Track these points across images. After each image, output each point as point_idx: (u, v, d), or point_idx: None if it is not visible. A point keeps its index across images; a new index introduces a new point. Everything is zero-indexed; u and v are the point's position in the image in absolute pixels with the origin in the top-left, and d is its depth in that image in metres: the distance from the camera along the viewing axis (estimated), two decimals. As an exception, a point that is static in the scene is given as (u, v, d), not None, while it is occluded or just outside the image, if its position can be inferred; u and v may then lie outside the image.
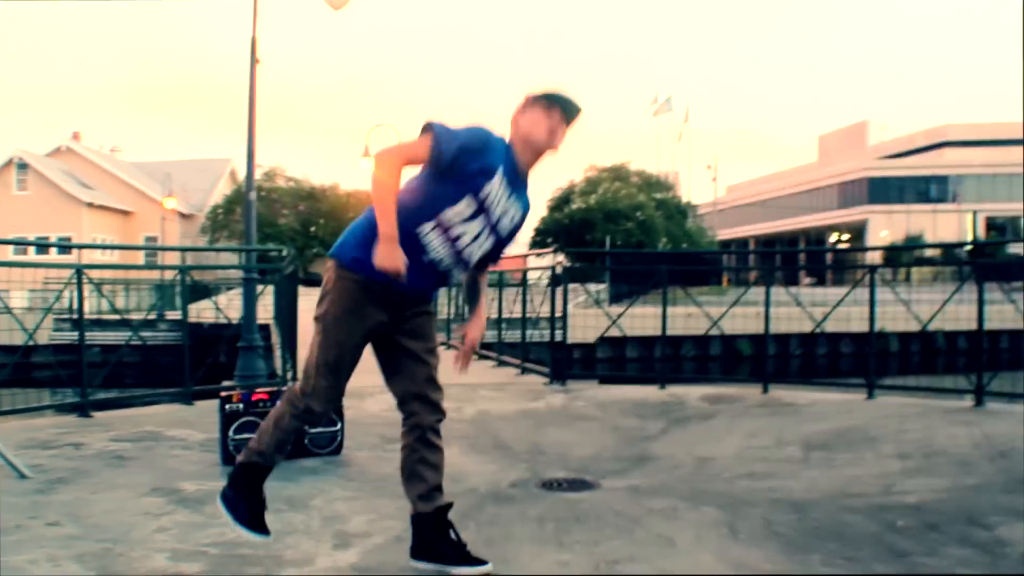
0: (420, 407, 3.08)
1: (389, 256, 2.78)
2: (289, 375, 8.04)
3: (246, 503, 3.11)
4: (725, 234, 72.19)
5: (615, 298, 20.73)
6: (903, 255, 39.67)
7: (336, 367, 3.02)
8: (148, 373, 12.65)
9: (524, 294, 10.83)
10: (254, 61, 9.27)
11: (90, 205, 40.90)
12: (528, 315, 10.67)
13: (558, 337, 9.02)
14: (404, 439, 3.13)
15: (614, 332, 10.65)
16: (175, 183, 39.35)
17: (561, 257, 13.90)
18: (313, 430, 4.98)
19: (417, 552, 3.12)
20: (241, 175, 48.63)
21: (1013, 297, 8.52)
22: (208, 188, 48.51)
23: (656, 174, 48.40)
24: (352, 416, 5.47)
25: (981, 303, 7.01)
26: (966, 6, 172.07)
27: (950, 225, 57.29)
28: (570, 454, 5.42)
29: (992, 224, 60.26)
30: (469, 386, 8.42)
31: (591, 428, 6.34)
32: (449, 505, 3.15)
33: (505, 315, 12.03)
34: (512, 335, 11.84)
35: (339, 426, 5.10)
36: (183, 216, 44.16)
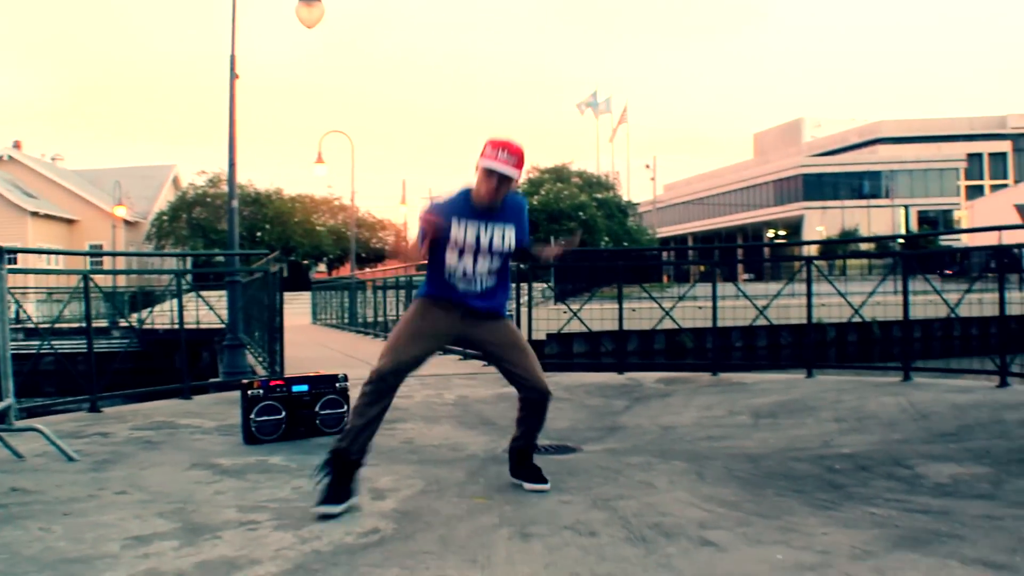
0: (517, 388, 4.22)
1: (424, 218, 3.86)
2: (277, 369, 8.62)
3: (332, 488, 3.83)
4: (665, 232, 73.60)
5: (559, 296, 21.43)
6: (839, 249, 41.14)
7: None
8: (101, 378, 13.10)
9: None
10: (233, 76, 9.81)
11: (35, 214, 40.55)
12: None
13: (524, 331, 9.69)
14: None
15: (571, 327, 11.30)
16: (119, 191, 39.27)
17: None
18: (323, 412, 5.62)
19: (513, 473, 4.35)
20: (185, 181, 48.61)
21: (939, 287, 9.38)
22: (151, 195, 48.27)
23: (597, 174, 49.40)
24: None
25: (906, 292, 7.85)
26: (897, 7, 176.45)
27: (884, 220, 59.26)
28: (550, 427, 6.05)
29: (924, 218, 62.46)
30: (443, 376, 9.11)
31: (563, 407, 7.03)
32: (534, 447, 4.40)
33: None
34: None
35: (345, 408, 5.73)
36: (128, 224, 44.01)
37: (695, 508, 3.80)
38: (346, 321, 22.05)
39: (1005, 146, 72.81)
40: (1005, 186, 66.50)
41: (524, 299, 10.55)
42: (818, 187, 62.94)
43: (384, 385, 3.93)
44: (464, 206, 4.01)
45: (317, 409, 5.61)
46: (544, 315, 14.73)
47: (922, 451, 4.93)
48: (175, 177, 51.27)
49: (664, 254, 52.00)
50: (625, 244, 44.99)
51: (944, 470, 4.44)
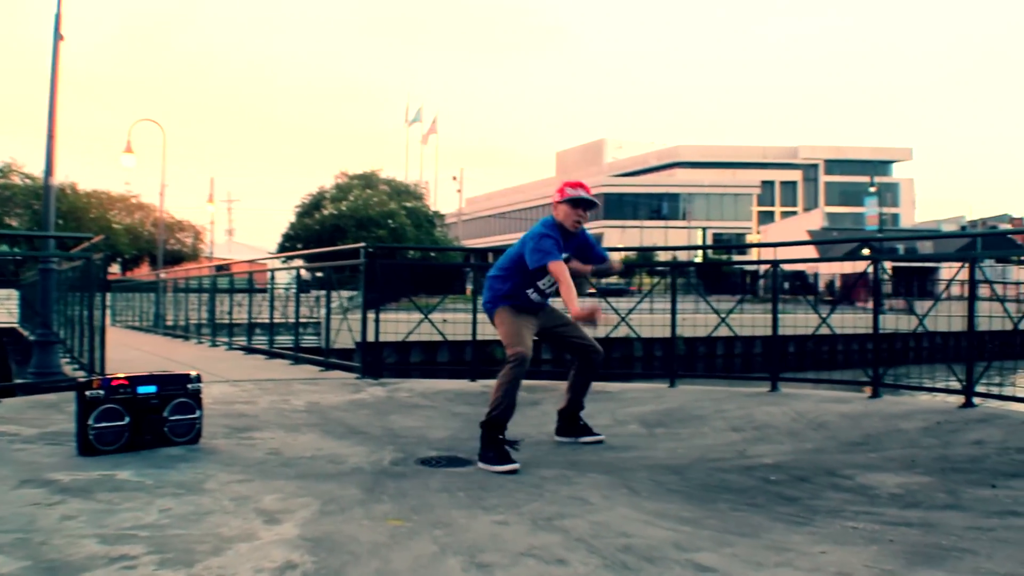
0: (579, 352, 5.29)
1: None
2: (97, 368, 7.49)
3: (494, 451, 4.53)
4: (469, 244, 73.70)
5: (369, 304, 20.69)
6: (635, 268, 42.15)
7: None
8: None
9: (301, 297, 10.64)
10: (57, 38, 8.56)
11: None
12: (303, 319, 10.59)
13: (370, 337, 8.94)
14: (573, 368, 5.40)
15: (389, 336, 10.60)
16: None
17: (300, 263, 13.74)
18: (173, 417, 4.74)
19: (560, 432, 5.41)
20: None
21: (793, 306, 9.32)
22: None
23: (406, 182, 48.67)
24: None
25: (674, 311, 7.64)
26: (697, 39, 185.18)
27: (680, 240, 61.50)
28: (428, 436, 5.48)
29: (719, 240, 65.30)
30: (281, 381, 8.26)
31: (431, 415, 6.41)
32: (581, 407, 5.40)
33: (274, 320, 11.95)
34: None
35: (198, 414, 4.88)
36: None
37: (654, 527, 3.27)
38: (150, 324, 20.42)
39: (796, 175, 77.50)
40: (795, 213, 70.66)
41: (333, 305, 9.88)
42: (619, 207, 64.67)
43: (527, 366, 4.71)
44: (560, 236, 4.97)
45: (166, 414, 4.72)
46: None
47: (845, 461, 4.63)
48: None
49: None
50: (433, 255, 44.45)
51: (886, 480, 4.13)
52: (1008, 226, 60.72)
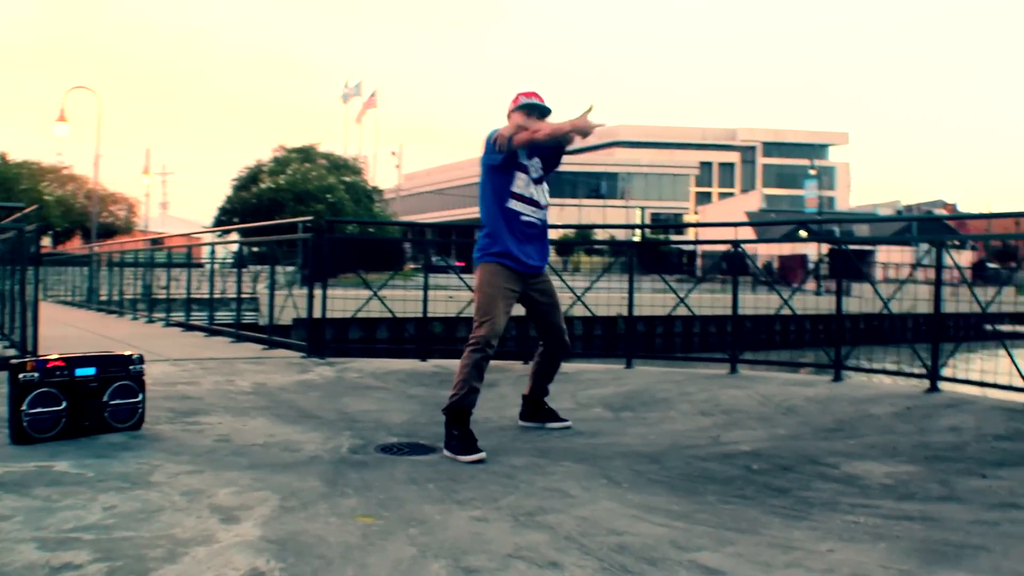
0: (547, 340, 4.96)
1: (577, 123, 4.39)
2: (29, 347, 7.01)
3: (458, 439, 4.23)
4: (406, 220, 73.01)
5: (306, 280, 20.26)
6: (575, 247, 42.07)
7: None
8: None
9: (243, 272, 10.24)
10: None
11: None
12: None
13: (316, 313, 8.59)
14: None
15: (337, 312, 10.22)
16: None
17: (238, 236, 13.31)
18: (114, 402, 4.39)
19: (524, 416, 5.15)
20: None
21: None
22: None
23: (345, 157, 47.86)
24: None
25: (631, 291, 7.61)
26: (639, 19, 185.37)
27: (619, 220, 61.56)
28: (385, 420, 5.22)
29: (657, 219, 65.53)
30: (224, 360, 7.90)
31: (385, 397, 6.14)
32: (546, 393, 5.15)
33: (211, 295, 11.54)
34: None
35: (140, 398, 4.53)
36: None
37: (645, 523, 3.05)
38: (83, 299, 19.71)
39: (734, 157, 78.07)
40: (732, 194, 71.20)
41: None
42: (557, 184, 64.02)
43: (491, 351, 4.56)
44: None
45: (106, 399, 4.37)
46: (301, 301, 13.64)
47: (825, 448, 4.47)
48: None
49: (407, 244, 51.01)
50: (371, 230, 43.83)
51: (873, 469, 3.98)
52: (942, 211, 61.96)
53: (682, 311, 8.03)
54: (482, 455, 4.11)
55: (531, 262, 4.64)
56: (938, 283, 6.41)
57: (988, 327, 8.48)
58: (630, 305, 8.10)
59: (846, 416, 5.32)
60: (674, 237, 36.69)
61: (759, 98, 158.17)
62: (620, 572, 2.53)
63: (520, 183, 4.60)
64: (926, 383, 6.20)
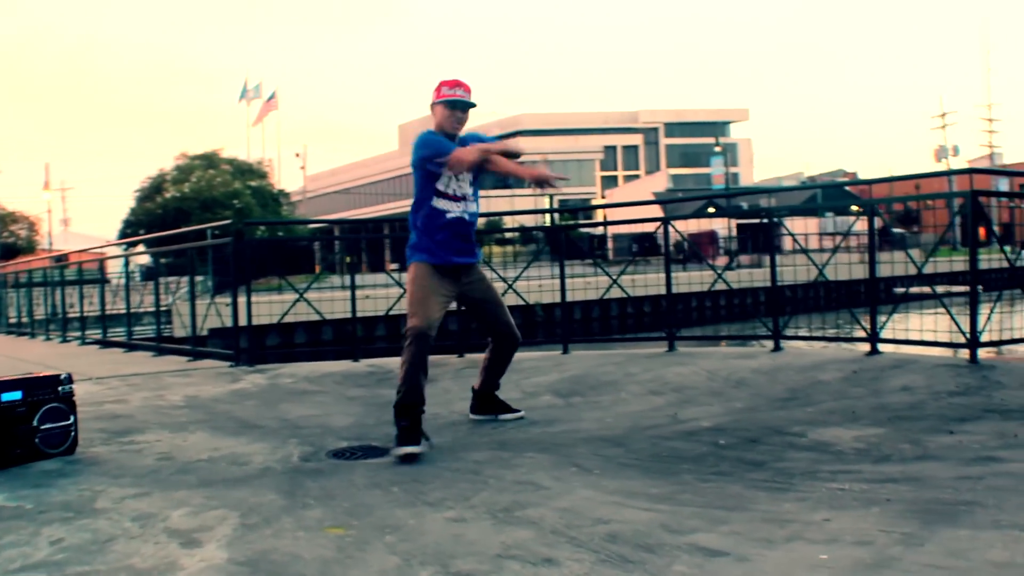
0: (497, 338, 4.87)
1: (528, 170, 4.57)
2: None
3: (401, 432, 4.10)
4: (329, 218, 71.98)
5: (218, 288, 19.77)
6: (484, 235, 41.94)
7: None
8: None
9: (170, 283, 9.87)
10: None
11: None
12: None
13: (242, 321, 8.28)
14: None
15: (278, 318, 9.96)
16: None
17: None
18: (45, 426, 4.10)
19: (476, 410, 5.05)
20: None
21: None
22: None
23: (249, 161, 46.91)
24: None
25: (563, 276, 7.50)
26: (534, 5, 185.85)
27: (526, 207, 61.62)
28: (331, 425, 5.01)
29: (564, 205, 65.75)
30: (149, 375, 7.56)
31: (325, 400, 5.93)
32: (497, 387, 5.05)
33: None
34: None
35: (72, 420, 4.24)
36: None
37: (629, 509, 2.94)
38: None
39: (637, 139, 78.74)
40: (637, 176, 71.85)
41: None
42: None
43: (428, 342, 4.40)
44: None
45: (36, 423, 4.07)
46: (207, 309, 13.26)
47: (786, 417, 4.45)
48: None
49: (316, 245, 50.08)
50: (280, 233, 43.04)
51: (841, 435, 3.96)
52: (844, 179, 63.54)
53: (615, 293, 7.96)
54: (415, 449, 3.99)
55: (459, 259, 4.57)
56: (872, 248, 6.45)
57: (899, 290, 8.60)
58: (563, 291, 8.00)
59: (796, 384, 5.30)
60: (584, 221, 36.85)
61: (658, 80, 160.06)
62: (620, 562, 2.40)
63: (443, 180, 4.51)
64: (866, 347, 6.23)
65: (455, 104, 4.50)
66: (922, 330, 6.00)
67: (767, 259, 7.18)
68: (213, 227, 10.60)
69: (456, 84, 4.53)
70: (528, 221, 37.19)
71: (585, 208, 58.92)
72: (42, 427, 4.09)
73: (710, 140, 68.27)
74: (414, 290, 4.43)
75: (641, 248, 11.68)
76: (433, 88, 4.57)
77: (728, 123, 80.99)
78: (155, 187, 40.79)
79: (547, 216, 32.65)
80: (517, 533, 2.73)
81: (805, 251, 7.34)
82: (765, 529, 2.62)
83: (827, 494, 2.99)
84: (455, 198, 4.53)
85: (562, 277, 7.98)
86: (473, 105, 4.56)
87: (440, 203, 4.50)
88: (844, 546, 2.43)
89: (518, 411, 5.02)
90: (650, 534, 2.63)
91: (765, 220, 9.02)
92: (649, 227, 8.41)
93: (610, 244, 43.81)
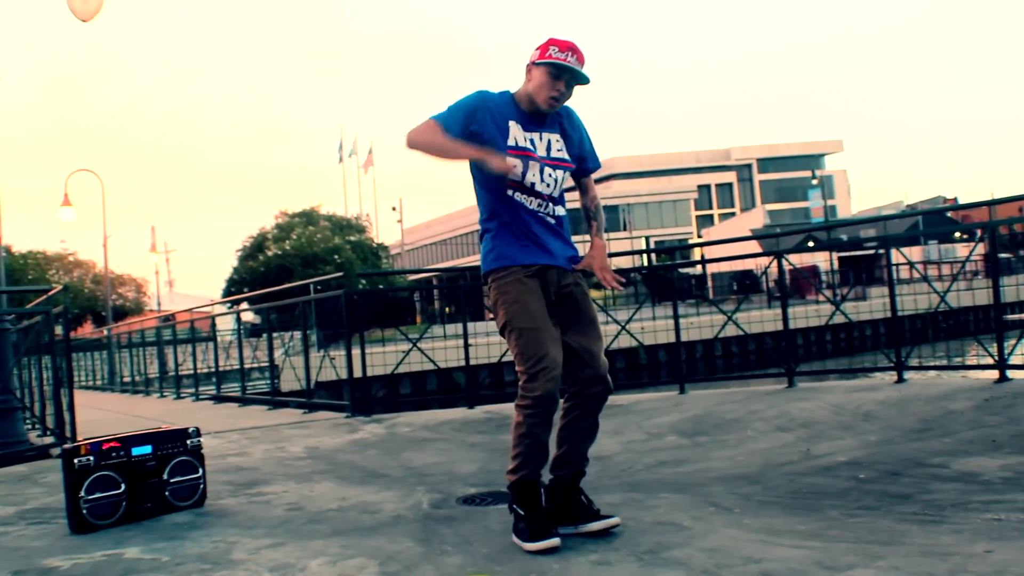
0: (574, 379, 3.34)
1: (495, 158, 3.16)
2: (68, 433, 6.82)
3: (526, 521, 3.22)
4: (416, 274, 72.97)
5: (323, 342, 20.14)
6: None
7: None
8: None
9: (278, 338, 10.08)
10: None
11: None
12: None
13: (357, 373, 8.42)
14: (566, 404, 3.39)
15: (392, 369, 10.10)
16: None
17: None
18: (174, 479, 4.20)
19: (553, 515, 3.32)
20: None
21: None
22: None
23: (347, 216, 47.94)
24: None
25: (676, 315, 7.33)
26: (627, 51, 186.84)
27: (623, 249, 61.49)
28: (456, 472, 5.02)
29: (661, 247, 65.45)
30: (267, 427, 7.71)
31: (447, 448, 5.94)
32: (583, 467, 3.43)
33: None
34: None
35: (200, 473, 4.34)
36: None
37: (778, 547, 2.86)
38: (104, 382, 19.59)
39: (730, 177, 78.23)
40: (733, 214, 71.15)
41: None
42: (560, 223, 64.22)
43: (553, 406, 3.23)
44: (508, 117, 3.36)
45: (166, 476, 4.18)
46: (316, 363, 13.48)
47: (924, 449, 4.28)
48: None
49: (416, 296, 50.90)
50: (381, 287, 43.73)
51: (985, 464, 3.80)
52: (944, 206, 61.78)
53: (731, 330, 7.85)
54: (555, 542, 3.12)
55: (534, 218, 3.44)
56: (995, 272, 6.23)
57: (1010, 316, 8.24)
58: (677, 329, 7.92)
59: (928, 415, 5.12)
60: (682, 261, 36.56)
61: (749, 116, 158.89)
62: (779, 602, 2.33)
63: (532, 174, 3.42)
64: (994, 374, 5.99)
65: (561, 71, 3.25)
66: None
67: (871, 291, 7.01)
68: (315, 282, 10.85)
69: (570, 48, 3.27)
70: (622, 263, 37.14)
71: (683, 247, 58.44)
72: (172, 480, 4.20)
73: (804, 174, 67.22)
74: (517, 325, 3.27)
75: (741, 285, 11.57)
76: (537, 46, 3.33)
77: (823, 155, 79.78)
78: (257, 245, 41.93)
79: (644, 257, 32.49)
80: (666, 574, 2.67)
81: (927, 279, 7.13)
82: (926, 563, 2.51)
83: (983, 525, 2.86)
84: (542, 196, 3.42)
85: (675, 316, 7.92)
86: (586, 81, 3.32)
87: (526, 214, 3.40)
88: (1016, 580, 2.31)
89: (612, 517, 3.32)
90: (805, 572, 2.55)
91: (871, 251, 8.78)
92: (749, 264, 8.32)
93: (710, 283, 43.31)
